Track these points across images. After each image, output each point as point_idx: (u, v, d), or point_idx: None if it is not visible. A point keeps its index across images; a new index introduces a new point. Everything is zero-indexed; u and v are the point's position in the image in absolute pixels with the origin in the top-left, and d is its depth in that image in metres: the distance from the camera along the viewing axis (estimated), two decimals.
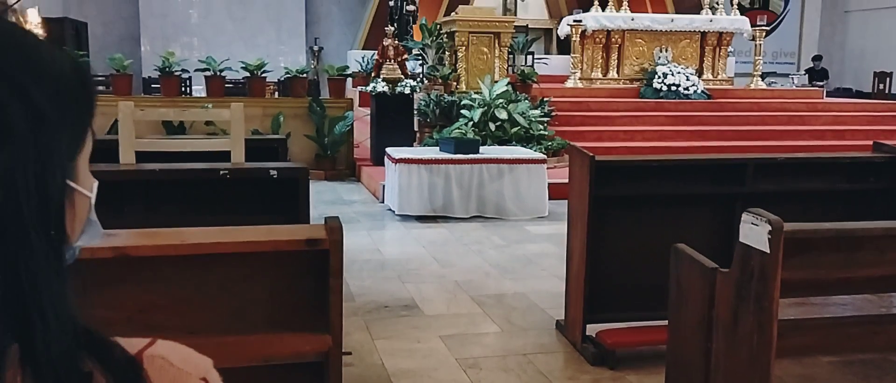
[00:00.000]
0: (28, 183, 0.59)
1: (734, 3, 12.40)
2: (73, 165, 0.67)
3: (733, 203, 3.83)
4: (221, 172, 3.33)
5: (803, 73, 16.52)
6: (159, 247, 2.11)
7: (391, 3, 12.40)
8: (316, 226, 2.27)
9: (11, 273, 0.59)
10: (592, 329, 3.68)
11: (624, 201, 3.77)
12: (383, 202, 7.29)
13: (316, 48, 15.22)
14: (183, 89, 9.91)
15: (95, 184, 0.73)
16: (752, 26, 12.16)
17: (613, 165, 3.71)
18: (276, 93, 10.68)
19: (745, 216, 2.55)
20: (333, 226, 2.18)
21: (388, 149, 7.06)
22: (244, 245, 2.16)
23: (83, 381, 0.64)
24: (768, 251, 2.45)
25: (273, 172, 3.34)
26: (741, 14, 12.52)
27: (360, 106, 10.55)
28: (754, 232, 2.54)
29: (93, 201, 0.72)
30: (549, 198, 6.85)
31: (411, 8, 12.33)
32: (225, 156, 3.64)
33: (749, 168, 3.88)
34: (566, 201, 3.87)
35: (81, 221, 0.71)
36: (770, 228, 2.45)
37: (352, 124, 8.99)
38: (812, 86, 14.87)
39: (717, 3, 12.27)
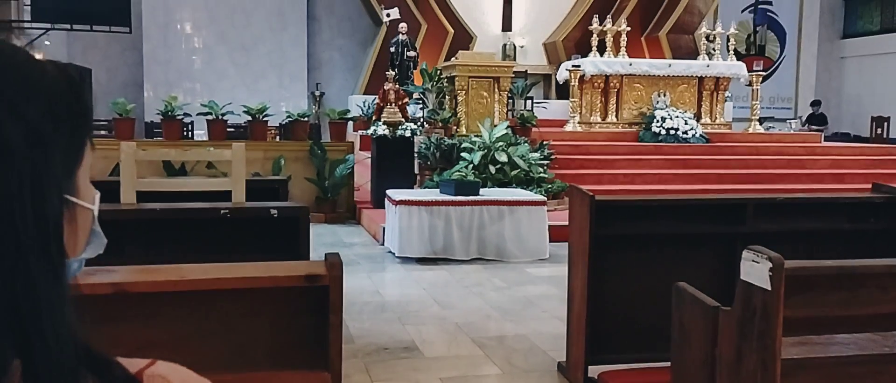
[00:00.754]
0: (24, 201, 0.59)
1: (730, 49, 12.56)
2: (72, 179, 0.67)
3: (734, 243, 3.83)
4: (222, 212, 3.33)
5: (803, 120, 16.62)
6: (158, 283, 2.10)
7: (392, 49, 12.56)
8: (315, 262, 2.27)
9: (9, 291, 0.59)
10: (594, 370, 3.64)
11: (625, 241, 3.77)
12: (383, 244, 7.28)
13: (317, 93, 15.36)
14: (185, 133, 9.98)
15: (97, 195, 0.73)
16: (748, 72, 12.30)
17: (614, 205, 3.72)
18: (278, 137, 10.76)
19: (745, 253, 2.54)
20: (333, 262, 2.17)
21: (389, 191, 7.08)
22: (244, 281, 2.15)
23: None
24: (770, 288, 2.44)
25: (273, 211, 3.34)
26: (737, 60, 12.68)
27: (360, 149, 10.61)
28: (755, 269, 2.53)
29: (95, 213, 0.72)
30: (550, 241, 6.84)
31: (412, 54, 12.49)
32: (226, 196, 3.65)
33: (749, 208, 3.89)
34: (567, 243, 3.87)
35: (85, 233, 0.71)
36: (771, 265, 2.44)
37: (352, 167, 9.03)
38: (810, 130, 14.98)
39: (714, 49, 12.44)
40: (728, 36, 12.55)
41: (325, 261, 2.19)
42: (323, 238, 7.69)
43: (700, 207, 3.96)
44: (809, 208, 4.14)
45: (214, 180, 3.98)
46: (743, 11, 17.39)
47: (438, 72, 10.04)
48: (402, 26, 12.65)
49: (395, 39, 12.63)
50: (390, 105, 8.70)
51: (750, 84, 12.56)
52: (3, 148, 0.58)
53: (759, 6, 17.73)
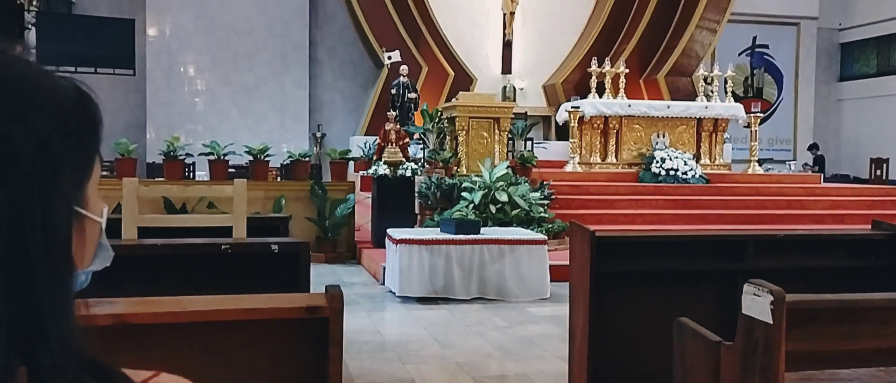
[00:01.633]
0: (33, 211, 0.60)
1: (728, 90, 12.68)
2: (81, 191, 0.68)
3: (735, 280, 3.82)
4: (223, 247, 3.34)
5: (802, 165, 16.66)
6: (158, 314, 2.10)
7: (393, 91, 12.68)
8: (316, 294, 2.27)
9: (17, 298, 0.60)
10: None
11: (626, 277, 3.76)
12: (384, 283, 7.25)
13: (319, 134, 15.46)
14: (186, 173, 10.02)
15: (105, 208, 0.74)
16: (746, 113, 12.40)
17: (614, 241, 3.72)
18: (279, 177, 10.80)
19: (746, 287, 2.54)
20: (334, 294, 2.17)
21: (389, 230, 7.08)
22: (244, 312, 2.15)
23: None
24: (771, 322, 2.44)
25: (274, 247, 3.35)
26: (735, 102, 12.79)
27: (361, 190, 10.64)
28: (757, 302, 2.53)
29: (103, 225, 0.73)
30: (551, 281, 6.82)
31: (413, 95, 12.60)
32: (227, 232, 3.66)
33: (749, 244, 3.89)
34: (568, 283, 3.86)
35: (93, 246, 0.72)
36: (772, 299, 2.44)
37: (353, 206, 9.04)
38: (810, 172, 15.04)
39: (712, 91, 12.56)
40: (726, 78, 12.68)
41: (326, 294, 2.19)
42: (323, 277, 7.66)
43: (701, 244, 3.97)
44: (810, 245, 4.14)
45: (215, 216, 4.00)
46: (740, 54, 17.60)
47: (439, 112, 10.13)
48: (404, 69, 12.79)
49: (396, 81, 12.76)
50: (391, 145, 8.75)
51: (748, 125, 12.65)
52: (13, 159, 0.60)
53: (756, 49, 17.95)
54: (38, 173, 0.61)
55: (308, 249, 3.37)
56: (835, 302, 2.56)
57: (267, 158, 9.18)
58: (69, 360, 0.64)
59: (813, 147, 17.01)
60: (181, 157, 9.09)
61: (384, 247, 7.32)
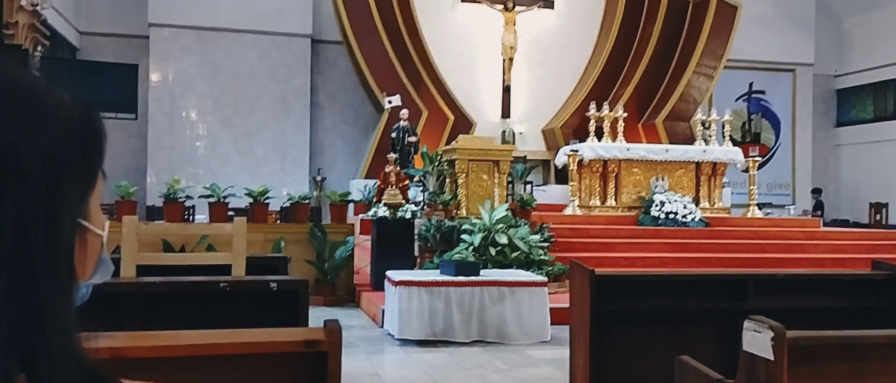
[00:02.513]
0: (37, 222, 0.62)
1: (726, 135, 12.77)
2: (84, 205, 0.69)
3: (736, 319, 3.80)
4: (221, 285, 3.33)
5: (802, 210, 16.65)
6: (156, 348, 2.09)
7: (393, 135, 12.77)
8: (314, 329, 2.26)
9: (19, 306, 0.61)
10: None
11: (626, 317, 3.75)
12: (383, 326, 7.20)
13: (319, 178, 15.51)
14: (186, 216, 10.04)
15: (107, 222, 0.75)
16: (744, 157, 12.47)
17: (614, 279, 3.72)
18: (278, 220, 10.80)
19: (747, 323, 2.54)
20: (332, 329, 2.17)
21: (389, 272, 7.06)
22: (242, 346, 2.14)
23: None
24: (772, 358, 2.42)
25: (273, 285, 3.34)
26: (733, 147, 12.86)
27: (361, 233, 10.62)
28: (757, 339, 2.51)
29: (104, 239, 0.74)
30: (551, 324, 6.77)
31: (413, 139, 12.68)
32: (226, 271, 3.65)
33: (749, 284, 3.89)
34: (568, 326, 3.84)
35: (93, 259, 0.73)
36: (773, 335, 2.43)
37: (352, 249, 9.03)
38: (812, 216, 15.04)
39: (710, 136, 12.64)
40: (723, 123, 12.78)
41: (325, 328, 2.19)
42: (322, 320, 7.60)
43: (701, 283, 3.96)
44: (811, 286, 4.14)
45: (214, 254, 3.99)
46: (737, 100, 17.77)
47: (439, 155, 10.19)
48: (404, 113, 12.90)
49: (396, 125, 12.85)
50: (391, 187, 8.78)
51: (746, 170, 12.71)
52: (18, 169, 0.61)
53: (753, 95, 18.12)
54: (43, 183, 0.63)
55: (307, 287, 3.37)
56: (836, 338, 2.55)
57: (267, 201, 9.20)
58: (68, 368, 0.64)
59: (816, 191, 17.04)
60: (181, 200, 9.11)
61: (383, 290, 7.29)
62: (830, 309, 4.04)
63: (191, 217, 10.70)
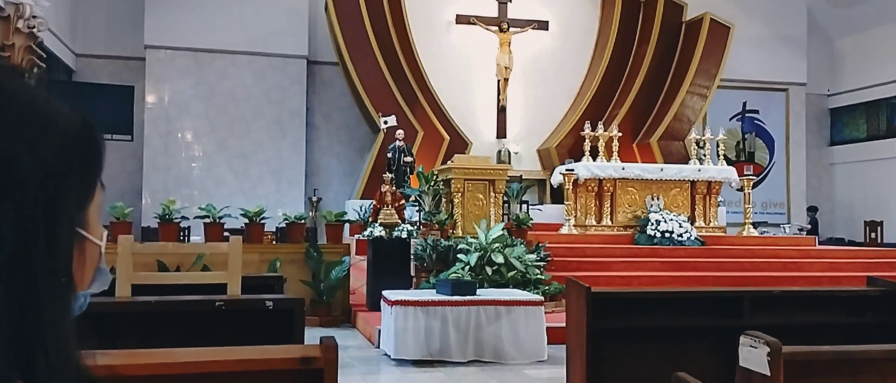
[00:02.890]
0: (37, 230, 0.62)
1: (720, 154, 12.83)
2: (83, 214, 0.70)
3: (732, 337, 3.79)
4: (217, 303, 3.32)
5: (797, 228, 16.68)
6: (152, 365, 2.08)
7: (389, 155, 12.79)
8: (310, 345, 2.25)
9: (18, 313, 0.61)
10: None
11: (622, 334, 3.74)
12: (379, 347, 7.17)
13: (314, 199, 15.50)
14: (181, 237, 10.01)
15: (105, 233, 0.76)
16: (739, 176, 12.51)
17: (611, 297, 3.72)
18: (274, 241, 10.78)
19: (743, 339, 2.54)
20: (329, 345, 2.16)
21: (385, 292, 7.04)
22: (238, 363, 2.13)
23: None
24: (769, 374, 2.42)
25: (269, 304, 3.33)
26: (728, 166, 12.91)
27: (356, 254, 10.61)
28: (753, 354, 2.52)
29: (103, 249, 0.75)
30: (548, 343, 6.74)
31: (408, 159, 12.71)
32: (221, 290, 3.64)
33: (745, 301, 3.89)
34: (565, 345, 3.83)
35: (92, 268, 0.74)
36: (769, 350, 2.43)
37: (348, 269, 9.01)
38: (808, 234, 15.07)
39: (704, 155, 12.69)
40: (717, 142, 12.84)
41: (321, 345, 2.18)
42: (318, 340, 7.57)
43: (697, 301, 3.96)
44: (807, 302, 4.14)
45: (210, 273, 3.99)
46: (731, 119, 17.85)
47: (435, 174, 10.20)
48: (400, 133, 12.94)
49: (392, 145, 12.88)
50: (387, 206, 8.78)
51: (741, 189, 12.75)
52: (18, 177, 0.62)
53: (747, 115, 18.21)
54: (42, 192, 0.63)
55: (303, 305, 3.36)
56: (832, 353, 2.55)
57: (262, 221, 9.19)
58: (66, 375, 0.65)
59: (811, 209, 17.08)
60: (177, 221, 9.10)
61: (379, 310, 7.26)
62: (826, 325, 4.04)
63: (186, 238, 10.68)
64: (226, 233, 9.58)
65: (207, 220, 9.01)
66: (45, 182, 0.64)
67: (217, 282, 3.60)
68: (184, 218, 9.30)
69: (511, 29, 15.46)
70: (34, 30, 9.90)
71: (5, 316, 0.60)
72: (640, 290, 4.17)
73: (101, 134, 0.74)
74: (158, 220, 9.15)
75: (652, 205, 11.49)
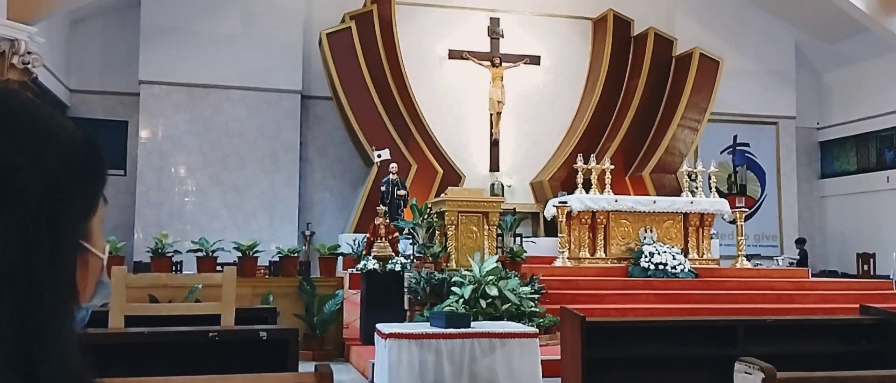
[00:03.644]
0: (41, 240, 0.64)
1: (712, 186, 12.90)
2: (85, 226, 0.71)
3: (727, 366, 3.79)
4: (210, 334, 3.30)
5: (788, 262, 16.70)
6: None
7: (383, 188, 12.81)
8: (304, 373, 2.25)
9: (21, 320, 0.62)
10: None
11: (617, 364, 3.74)
12: (373, 381, 7.10)
13: (308, 233, 15.46)
14: (174, 271, 9.96)
15: (107, 246, 0.77)
16: (731, 209, 12.57)
17: (605, 326, 3.72)
18: (267, 275, 10.73)
19: (737, 365, 2.54)
20: (323, 373, 2.16)
21: (378, 325, 6.98)
22: None
23: None
24: None
25: (263, 334, 3.32)
26: (720, 198, 12.97)
27: (350, 288, 10.56)
28: (748, 380, 2.52)
29: (104, 262, 0.76)
30: (543, 376, 6.69)
31: (402, 192, 12.72)
32: (215, 321, 3.62)
33: (739, 329, 3.89)
34: (560, 378, 3.82)
35: (94, 281, 0.75)
36: (763, 376, 2.44)
37: (342, 302, 8.97)
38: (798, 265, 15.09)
39: (696, 187, 12.76)
40: (709, 174, 12.92)
41: (315, 372, 2.17)
42: None
43: (691, 330, 3.96)
44: (800, 331, 4.15)
45: (203, 304, 3.97)
46: (722, 152, 17.96)
47: (428, 207, 10.21)
48: (393, 166, 12.97)
49: (385, 179, 12.91)
50: (381, 239, 8.77)
51: (733, 221, 12.80)
52: (22, 188, 0.63)
53: (738, 148, 18.34)
54: (46, 203, 0.65)
55: (297, 336, 3.35)
56: (826, 379, 2.55)
57: (256, 255, 9.16)
58: (67, 380, 0.65)
59: (800, 241, 17.12)
60: (169, 254, 9.06)
61: (373, 344, 7.20)
62: (820, 354, 4.05)
63: (179, 271, 10.62)
64: (218, 267, 9.54)
65: (200, 254, 8.98)
66: (49, 193, 0.65)
67: (210, 313, 3.59)
68: (176, 252, 9.27)
69: (503, 64, 15.61)
70: (29, 66, 9.95)
71: (9, 324, 0.61)
72: (634, 320, 4.17)
73: (103, 148, 0.76)
74: (151, 254, 9.11)
75: (645, 238, 11.51)
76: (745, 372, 2.46)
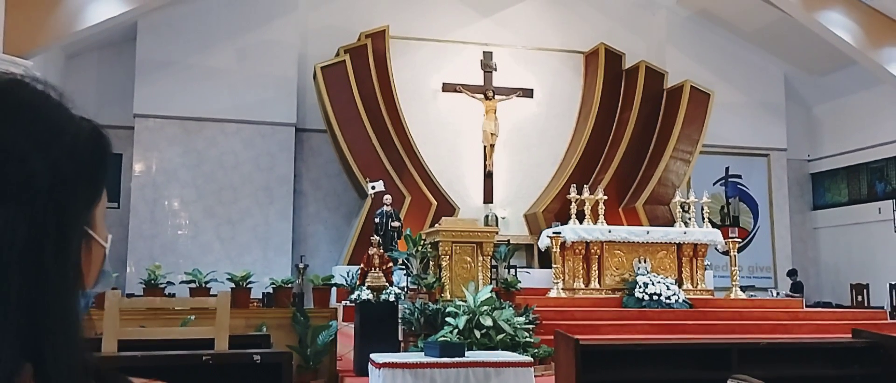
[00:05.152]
0: (48, 226, 0.66)
1: (705, 217, 12.95)
2: (90, 214, 0.74)
3: None
4: (204, 358, 3.29)
5: (784, 293, 16.70)
6: None
7: (377, 220, 12.82)
8: None
9: (28, 303, 0.64)
10: None
11: None
12: None
13: (301, 265, 15.41)
14: None
15: (110, 236, 0.80)
16: (724, 239, 12.60)
17: (599, 349, 3.72)
18: (261, 306, 10.68)
19: (730, 382, 2.55)
20: None
21: (372, 355, 6.95)
22: None
23: None
24: None
25: (257, 357, 3.31)
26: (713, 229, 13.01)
27: (343, 320, 10.50)
28: None
29: (107, 251, 0.79)
30: None
31: (396, 224, 12.73)
32: (208, 345, 3.61)
33: (733, 352, 3.90)
34: None
35: (96, 269, 0.77)
36: None
37: (335, 333, 8.92)
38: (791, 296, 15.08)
39: (689, 218, 12.81)
40: (702, 205, 12.98)
41: None
42: None
43: (685, 353, 3.96)
44: (794, 354, 4.15)
45: (196, 328, 3.96)
46: (714, 184, 18.06)
47: (422, 237, 10.22)
48: (387, 198, 13.00)
49: (379, 210, 12.93)
50: (375, 269, 8.76)
51: (726, 252, 12.82)
52: (30, 178, 0.66)
53: (730, 179, 18.45)
54: (52, 191, 0.67)
55: (291, 359, 3.34)
56: None
57: (249, 286, 9.13)
58: (74, 363, 0.67)
59: (791, 273, 17.14)
60: (162, 286, 9.03)
61: (367, 375, 7.15)
62: (814, 378, 4.05)
63: None
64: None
65: (193, 285, 8.95)
66: (56, 182, 0.68)
67: (203, 338, 3.58)
68: (169, 283, 9.23)
69: (496, 96, 15.76)
70: None
71: (16, 306, 0.63)
72: (628, 343, 4.17)
73: (108, 140, 0.79)
74: (144, 286, 9.08)
75: (639, 268, 11.52)
76: None
